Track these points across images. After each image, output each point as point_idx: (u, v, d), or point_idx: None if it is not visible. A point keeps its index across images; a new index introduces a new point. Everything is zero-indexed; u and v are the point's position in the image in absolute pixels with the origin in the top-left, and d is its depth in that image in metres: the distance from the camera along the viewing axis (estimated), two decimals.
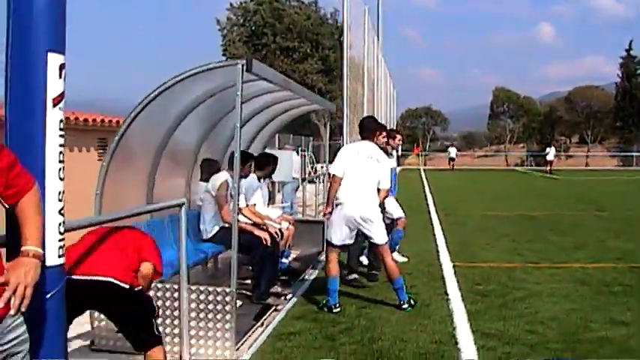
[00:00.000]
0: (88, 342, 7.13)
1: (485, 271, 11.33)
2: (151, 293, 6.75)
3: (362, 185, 8.76)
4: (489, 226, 18.23)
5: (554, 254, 13.23)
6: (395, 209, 11.50)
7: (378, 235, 8.85)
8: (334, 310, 8.58)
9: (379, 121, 11.72)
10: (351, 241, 9.02)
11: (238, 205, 7.01)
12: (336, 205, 8.82)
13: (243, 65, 6.59)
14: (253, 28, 58.38)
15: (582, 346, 7.11)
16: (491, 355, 6.80)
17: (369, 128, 9.29)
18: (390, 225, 11.24)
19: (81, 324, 7.50)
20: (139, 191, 8.29)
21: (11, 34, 3.45)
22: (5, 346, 3.00)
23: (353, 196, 8.72)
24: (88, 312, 7.06)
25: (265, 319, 8.14)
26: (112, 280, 4.91)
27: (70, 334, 7.34)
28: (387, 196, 8.97)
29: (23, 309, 3.02)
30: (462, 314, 8.43)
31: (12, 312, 2.99)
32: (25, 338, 3.10)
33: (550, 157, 58.84)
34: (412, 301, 8.78)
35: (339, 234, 8.86)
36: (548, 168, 57.74)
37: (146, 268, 5.26)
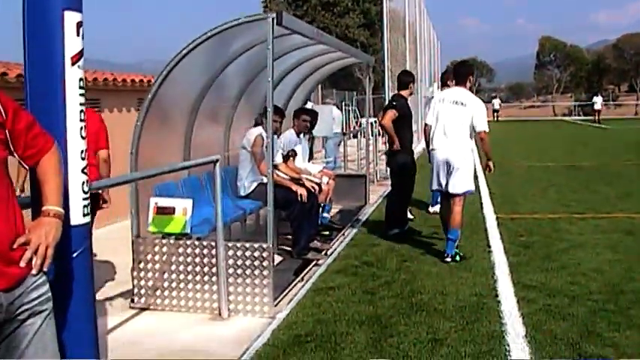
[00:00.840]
0: (128, 300, 7.20)
1: (529, 223, 11.21)
2: (189, 250, 6.81)
3: (447, 131, 8.83)
4: (535, 177, 18.02)
5: (600, 205, 13.05)
6: None
7: (457, 183, 8.76)
8: (445, 260, 8.68)
9: (414, 74, 11.56)
10: (453, 189, 8.85)
11: (273, 160, 6.96)
12: (430, 153, 9.07)
13: (273, 19, 6.50)
14: None
15: (625, 297, 6.99)
16: (532, 307, 6.71)
17: (461, 72, 9.20)
18: None
19: (121, 283, 7.60)
20: (176, 149, 8.28)
21: None
22: (29, 305, 3.00)
23: (440, 142, 8.88)
24: (129, 270, 7.15)
25: (305, 274, 8.14)
26: None
27: (111, 293, 7.49)
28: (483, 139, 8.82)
29: (45, 269, 3.02)
30: (504, 266, 8.35)
31: (33, 271, 2.98)
32: (48, 297, 3.10)
33: (598, 106, 57.76)
34: (457, 257, 8.71)
35: (434, 180, 9.01)
36: (597, 117, 56.76)
37: None
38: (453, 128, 8.77)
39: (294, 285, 7.71)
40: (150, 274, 7.00)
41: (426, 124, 9.25)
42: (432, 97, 13.81)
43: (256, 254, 6.71)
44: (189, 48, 6.93)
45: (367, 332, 6.11)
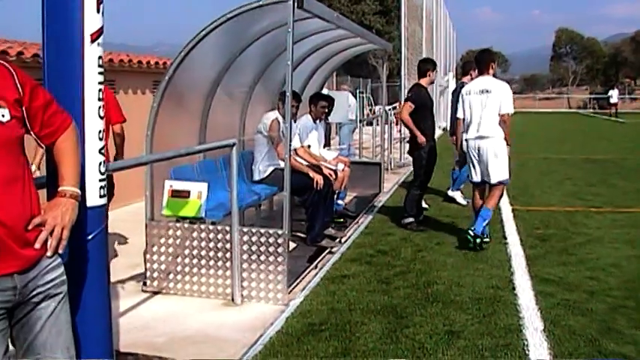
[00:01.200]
0: (140, 283, 7.13)
1: (545, 215, 11.09)
2: (203, 235, 6.73)
3: (478, 122, 8.81)
4: (550, 169, 17.88)
5: (617, 199, 12.90)
6: None
7: (494, 173, 8.74)
8: (485, 240, 8.75)
9: (434, 61, 11.43)
10: (487, 179, 8.86)
11: (291, 145, 6.87)
12: (465, 145, 9.06)
13: (294, 1, 6.38)
14: None
15: None
16: (550, 302, 6.60)
17: (483, 60, 9.15)
18: (461, 162, 11.37)
19: (133, 265, 7.53)
20: (192, 132, 8.20)
21: None
22: (43, 288, 2.92)
23: (473, 133, 8.87)
24: (142, 253, 7.08)
25: (319, 262, 8.05)
26: None
27: (123, 276, 7.43)
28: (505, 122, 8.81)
29: (60, 250, 2.95)
30: (521, 259, 8.24)
31: (48, 253, 2.92)
32: (63, 280, 3.02)
33: (614, 99, 57.30)
34: (479, 240, 8.65)
35: (473, 172, 9.00)
36: (613, 110, 56.34)
37: None
38: (484, 118, 8.73)
39: (308, 272, 7.63)
40: (163, 258, 6.93)
41: (457, 118, 9.33)
42: (447, 86, 13.71)
43: (271, 240, 6.62)
44: (208, 30, 6.83)
45: (382, 322, 6.02)
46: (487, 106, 8.71)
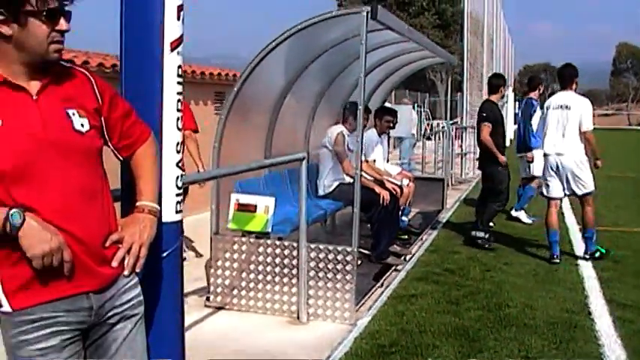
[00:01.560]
0: (203, 298, 7.00)
1: (615, 236, 10.73)
2: (269, 250, 6.58)
3: (558, 136, 8.82)
4: (616, 188, 17.44)
5: None
6: (539, 166, 11.00)
7: (582, 185, 8.79)
8: (553, 260, 8.83)
9: (504, 77, 11.19)
10: (568, 192, 8.97)
11: (362, 159, 6.69)
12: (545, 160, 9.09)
13: (367, 13, 6.23)
14: None
15: None
16: (630, 328, 6.31)
17: (566, 75, 9.14)
18: (527, 181, 11.45)
19: (194, 279, 7.40)
20: (257, 145, 8.07)
21: None
22: (120, 308, 2.77)
23: (553, 148, 8.87)
24: (203, 266, 6.95)
25: (385, 280, 7.85)
26: None
27: (185, 289, 7.27)
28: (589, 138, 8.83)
29: (137, 269, 2.80)
30: (594, 281, 7.96)
31: (125, 272, 2.76)
32: (140, 300, 2.87)
33: None
34: (597, 253, 8.85)
35: (551, 186, 8.99)
36: None
37: None
38: (563, 132, 8.70)
39: (374, 291, 7.43)
40: (227, 273, 6.79)
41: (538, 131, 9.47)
42: (506, 101, 13.50)
43: (339, 257, 6.44)
44: (278, 41, 6.70)
45: (455, 345, 5.80)
46: (566, 122, 8.66)
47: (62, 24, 2.59)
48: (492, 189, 9.98)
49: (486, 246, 9.63)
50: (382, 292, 7.41)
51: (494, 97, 10.13)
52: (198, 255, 8.82)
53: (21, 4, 2.49)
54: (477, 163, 19.54)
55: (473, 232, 9.83)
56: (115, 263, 2.71)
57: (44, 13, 2.52)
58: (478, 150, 10.44)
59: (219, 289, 6.84)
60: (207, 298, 6.92)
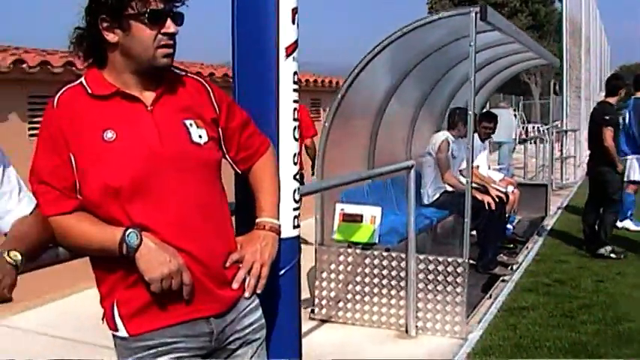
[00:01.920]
0: (308, 310, 6.84)
1: None
2: (376, 261, 6.39)
3: None
4: None
5: None
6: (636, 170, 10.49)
7: None
8: None
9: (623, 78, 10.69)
10: None
11: (460, 166, 6.45)
12: None
13: (476, 13, 5.98)
14: None
15: None
16: None
17: None
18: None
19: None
20: (360, 152, 7.91)
21: None
22: (241, 333, 2.60)
23: None
24: (305, 276, 6.78)
25: (493, 291, 7.56)
26: None
27: None
28: None
29: (259, 291, 2.61)
30: None
31: (247, 294, 2.58)
32: (261, 324, 2.69)
33: None
34: None
35: None
36: None
37: None
38: None
39: (483, 303, 7.15)
40: (332, 285, 6.63)
41: None
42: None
43: (449, 269, 6.21)
44: (383, 45, 6.52)
45: None
46: None
47: (169, 26, 2.41)
48: (607, 197, 9.50)
49: (622, 257, 9.18)
50: (491, 304, 7.12)
51: (612, 100, 9.66)
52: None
53: (123, 8, 2.34)
54: (578, 168, 19.02)
55: (600, 251, 9.30)
56: (235, 285, 2.54)
57: (146, 16, 2.36)
58: (586, 154, 9.97)
59: (323, 302, 6.69)
60: (312, 311, 6.76)
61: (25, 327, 6.60)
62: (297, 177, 3.08)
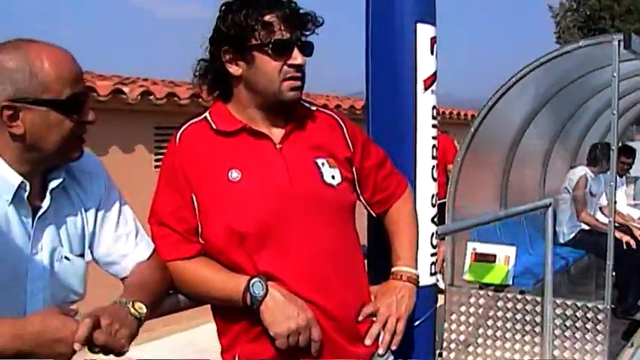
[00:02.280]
0: (436, 352, 6.54)
1: None
2: (510, 305, 6.07)
3: None
4: None
5: None
6: None
7: None
8: None
9: None
10: None
11: (615, 204, 6.05)
12: None
13: (619, 41, 5.61)
14: (589, 12, 55.31)
15: None
16: None
17: None
18: None
19: None
20: (490, 189, 7.58)
21: (372, 6, 2.83)
22: None
23: None
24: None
25: (635, 338, 7.05)
26: None
27: None
28: None
29: (394, 347, 2.36)
30: None
31: (380, 351, 2.33)
32: None
33: None
34: None
35: None
36: None
37: None
38: None
39: (624, 351, 6.68)
40: (462, 328, 6.31)
41: None
42: None
43: (589, 315, 5.81)
44: (518, 77, 6.22)
45: None
46: None
47: (295, 56, 2.21)
48: None
49: None
50: (633, 354, 6.63)
51: None
52: None
53: (246, 39, 2.17)
54: None
55: None
56: (368, 341, 2.31)
57: (270, 46, 2.18)
58: None
59: (452, 345, 6.38)
60: (440, 354, 6.46)
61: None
62: (435, 220, 2.85)
